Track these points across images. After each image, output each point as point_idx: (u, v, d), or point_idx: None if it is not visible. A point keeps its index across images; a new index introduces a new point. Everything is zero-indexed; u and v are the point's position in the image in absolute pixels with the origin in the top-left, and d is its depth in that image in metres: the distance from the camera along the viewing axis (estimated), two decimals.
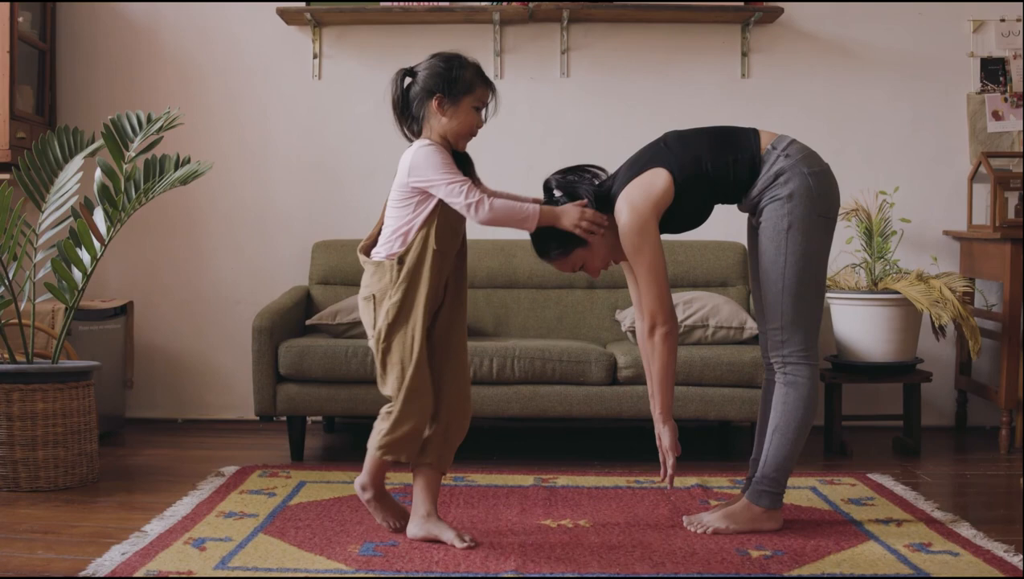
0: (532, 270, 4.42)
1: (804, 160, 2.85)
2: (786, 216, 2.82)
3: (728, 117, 4.26)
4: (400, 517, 2.91)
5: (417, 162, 2.73)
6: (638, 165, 2.88)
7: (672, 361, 2.86)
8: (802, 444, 2.95)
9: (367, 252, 2.86)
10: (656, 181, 2.82)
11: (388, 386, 2.78)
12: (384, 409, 2.81)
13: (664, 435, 2.91)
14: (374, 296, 2.77)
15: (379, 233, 2.83)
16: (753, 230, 3.01)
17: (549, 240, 2.87)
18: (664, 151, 2.88)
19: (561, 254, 2.90)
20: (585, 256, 2.90)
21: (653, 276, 2.80)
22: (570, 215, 2.78)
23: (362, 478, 2.89)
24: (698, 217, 2.94)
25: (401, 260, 2.74)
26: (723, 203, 2.96)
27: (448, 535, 2.78)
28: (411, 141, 2.85)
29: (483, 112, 2.81)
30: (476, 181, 2.83)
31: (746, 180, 2.87)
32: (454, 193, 2.69)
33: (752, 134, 2.90)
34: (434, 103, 2.76)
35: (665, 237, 2.90)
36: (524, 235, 4.71)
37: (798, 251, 2.83)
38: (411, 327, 2.74)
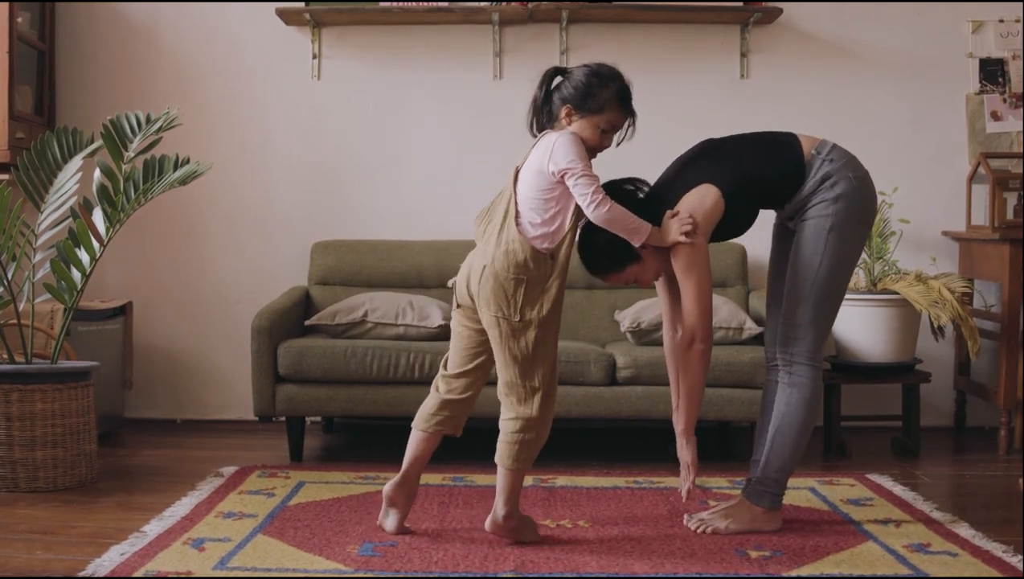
0: None
1: (848, 164, 2.87)
2: (831, 217, 2.83)
3: (728, 117, 4.27)
4: (536, 530, 2.89)
5: (559, 147, 2.69)
6: (685, 180, 2.86)
7: (704, 378, 2.87)
8: (804, 445, 2.96)
9: (480, 225, 2.81)
10: (707, 198, 2.81)
11: (530, 380, 2.72)
12: (516, 415, 2.74)
13: (686, 449, 2.93)
14: (527, 279, 2.68)
15: (511, 211, 2.72)
16: (782, 230, 3.02)
17: (603, 256, 2.86)
18: (709, 164, 2.87)
19: (615, 270, 2.89)
20: (637, 271, 2.89)
21: (700, 294, 2.79)
22: (672, 230, 2.77)
23: (503, 509, 2.78)
24: (744, 226, 2.95)
25: (554, 256, 2.71)
26: (767, 208, 2.96)
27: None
28: (533, 134, 2.83)
29: (612, 136, 2.80)
30: None
31: (792, 187, 2.87)
32: (585, 184, 2.66)
33: (794, 140, 2.91)
34: (564, 112, 2.76)
35: None
36: None
37: (835, 254, 2.85)
38: (558, 321, 2.76)
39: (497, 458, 2.79)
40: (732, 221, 2.88)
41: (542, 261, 2.70)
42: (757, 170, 2.87)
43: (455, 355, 2.88)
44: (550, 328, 2.74)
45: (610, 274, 2.91)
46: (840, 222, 2.84)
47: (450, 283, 2.87)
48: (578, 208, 2.72)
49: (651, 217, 2.79)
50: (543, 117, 2.81)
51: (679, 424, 2.93)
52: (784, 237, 3.03)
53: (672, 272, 2.88)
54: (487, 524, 2.82)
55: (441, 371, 2.91)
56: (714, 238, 2.89)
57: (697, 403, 2.89)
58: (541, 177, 2.71)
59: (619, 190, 2.83)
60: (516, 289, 2.69)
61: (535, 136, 2.83)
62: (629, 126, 2.82)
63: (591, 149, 2.77)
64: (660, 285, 3.01)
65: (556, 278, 2.71)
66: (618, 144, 2.83)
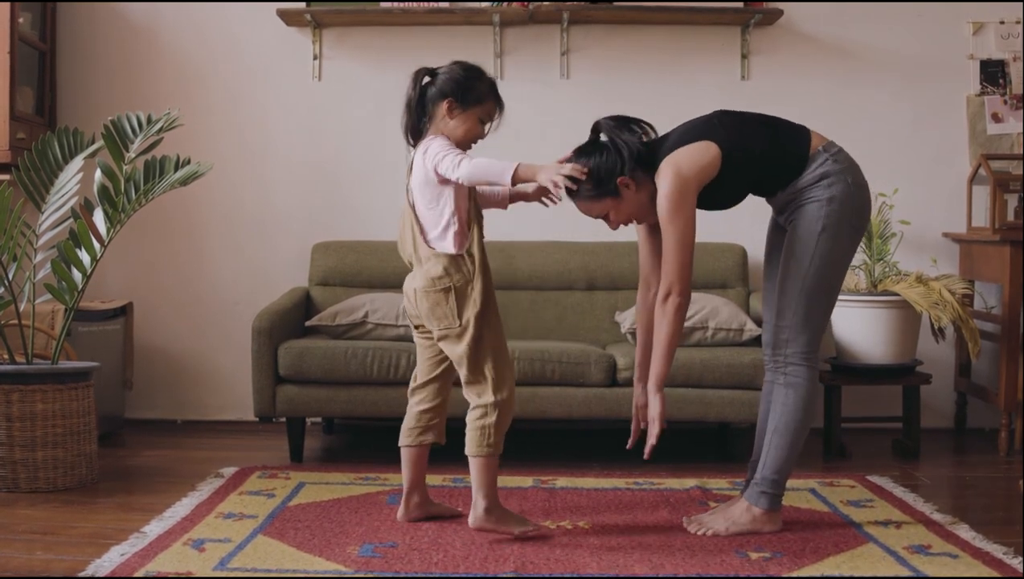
0: (532, 271, 4.42)
1: (850, 170, 2.87)
2: (822, 218, 2.83)
3: None
4: (521, 518, 2.95)
5: (431, 149, 2.80)
6: (689, 136, 2.87)
7: (678, 333, 2.85)
8: (801, 445, 2.96)
9: (409, 247, 2.90)
10: (706, 152, 2.82)
11: (480, 372, 2.84)
12: (477, 405, 2.86)
13: (656, 403, 2.88)
14: (454, 287, 2.81)
15: (416, 230, 2.85)
16: (776, 227, 3.02)
17: (587, 179, 2.87)
18: (718, 127, 2.88)
19: (592, 196, 2.89)
20: (612, 206, 2.90)
21: (681, 245, 2.80)
22: (547, 170, 2.75)
23: (483, 502, 2.85)
24: (731, 199, 2.95)
25: (470, 252, 2.83)
26: (758, 192, 2.96)
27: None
28: (409, 142, 2.92)
29: (487, 126, 2.90)
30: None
31: (789, 175, 2.88)
32: (449, 160, 2.74)
33: (804, 132, 2.92)
34: (445, 105, 2.84)
35: None
36: (524, 236, 4.71)
37: (825, 255, 2.84)
38: (495, 313, 2.87)
39: (467, 450, 2.87)
40: (722, 189, 2.87)
41: (461, 264, 2.83)
42: (760, 144, 2.87)
43: (421, 365, 3.03)
44: (488, 320, 2.85)
45: (586, 200, 2.90)
46: (832, 224, 2.84)
47: (400, 309, 2.97)
48: (471, 201, 2.85)
49: (646, 162, 2.84)
50: (416, 117, 2.88)
51: (651, 378, 2.88)
52: (778, 237, 3.03)
53: (654, 224, 2.91)
54: (470, 520, 2.88)
55: (411, 385, 3.04)
56: (699, 203, 2.87)
57: (670, 357, 2.86)
58: (429, 185, 2.82)
59: (627, 127, 2.88)
60: (447, 299, 2.83)
61: (411, 144, 2.91)
62: (499, 116, 2.91)
63: (469, 141, 2.87)
64: (642, 238, 3.04)
65: (479, 274, 2.84)
66: (486, 134, 2.92)
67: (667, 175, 2.80)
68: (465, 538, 2.87)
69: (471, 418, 2.87)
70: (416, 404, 3.02)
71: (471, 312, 2.82)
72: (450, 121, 2.84)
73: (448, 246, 2.82)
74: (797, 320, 2.89)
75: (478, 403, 2.86)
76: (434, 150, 2.78)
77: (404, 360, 3.81)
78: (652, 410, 2.89)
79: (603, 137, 2.92)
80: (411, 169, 2.88)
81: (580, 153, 2.89)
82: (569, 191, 2.89)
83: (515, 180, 2.74)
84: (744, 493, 3.01)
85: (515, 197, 3.05)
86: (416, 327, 2.99)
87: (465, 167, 2.72)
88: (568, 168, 2.75)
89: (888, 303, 4.07)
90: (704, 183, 2.82)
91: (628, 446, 3.07)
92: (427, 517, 3.05)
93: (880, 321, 4.08)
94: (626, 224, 2.96)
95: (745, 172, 2.88)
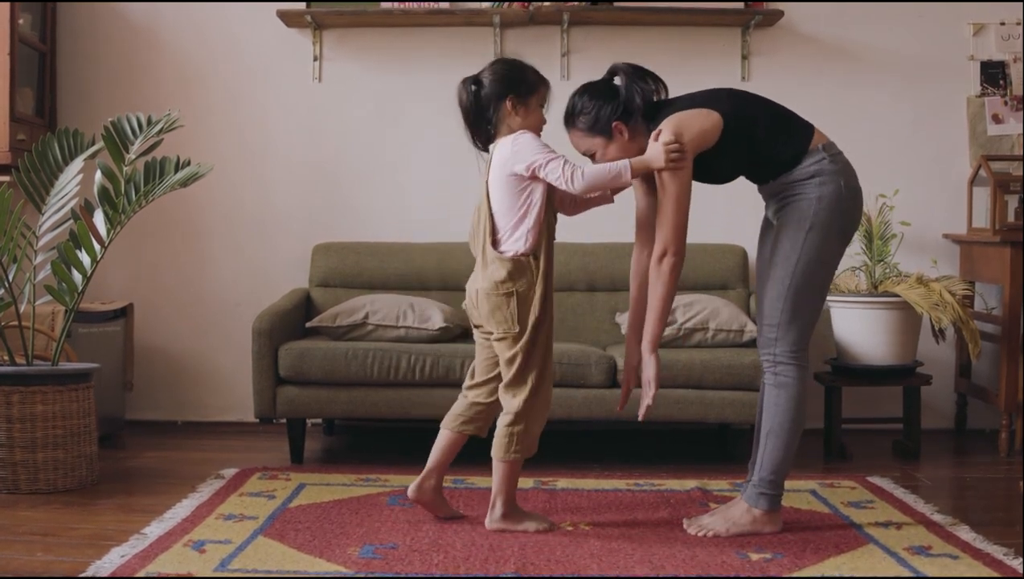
0: None
1: (844, 172, 2.88)
2: (810, 217, 2.84)
3: None
4: (539, 517, 3.02)
5: (521, 147, 2.83)
6: (695, 102, 2.90)
7: (672, 294, 2.87)
8: (796, 444, 2.96)
9: (478, 246, 2.93)
10: (707, 119, 2.84)
11: (524, 377, 2.88)
12: (508, 410, 2.91)
13: (650, 365, 2.89)
14: (516, 292, 2.84)
15: (487, 230, 2.87)
16: (768, 227, 3.02)
17: (583, 112, 2.92)
18: (724, 99, 2.91)
19: (583, 131, 2.93)
20: (600, 146, 2.93)
21: (676, 204, 2.82)
22: (656, 157, 2.80)
23: (500, 507, 2.95)
24: (723, 174, 2.97)
25: (536, 256, 2.85)
26: (750, 177, 2.98)
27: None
28: (480, 148, 2.95)
29: (544, 109, 2.95)
30: None
31: (784, 164, 2.88)
32: (554, 168, 2.80)
33: (808, 127, 2.93)
34: (508, 104, 2.87)
35: None
36: None
37: (812, 254, 2.85)
38: (551, 320, 2.91)
39: (493, 452, 2.94)
40: (715, 162, 2.89)
41: (525, 269, 2.85)
42: (764, 128, 2.88)
43: (479, 365, 3.04)
44: (544, 327, 2.88)
45: (578, 131, 2.94)
46: (819, 224, 2.84)
47: (464, 306, 3.06)
48: (546, 208, 2.86)
49: (649, 117, 2.89)
50: (482, 125, 2.90)
51: (645, 340, 2.90)
52: (769, 234, 3.03)
53: (651, 184, 2.93)
54: (487, 522, 2.96)
55: (468, 381, 3.06)
56: (693, 173, 2.88)
57: (664, 318, 2.88)
58: (510, 181, 2.84)
59: (642, 77, 2.93)
60: (508, 303, 2.86)
61: (482, 149, 2.94)
62: (549, 96, 2.95)
63: (539, 129, 2.91)
64: (640, 197, 3.05)
65: (541, 279, 2.86)
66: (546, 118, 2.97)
67: (666, 135, 2.82)
68: (465, 539, 2.87)
69: (501, 422, 2.93)
70: (473, 398, 3.02)
71: (531, 318, 2.86)
72: (516, 117, 2.87)
73: (519, 244, 2.85)
74: (784, 319, 2.89)
75: (510, 409, 2.90)
76: (531, 150, 2.81)
77: (404, 361, 3.81)
78: (647, 372, 2.90)
79: (616, 81, 2.95)
80: (489, 166, 2.90)
81: (586, 90, 2.93)
82: (566, 120, 2.96)
83: (634, 176, 2.82)
84: (744, 494, 3.01)
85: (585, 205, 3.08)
86: (476, 326, 3.00)
87: (580, 181, 2.78)
88: (671, 143, 2.78)
89: (888, 304, 4.07)
90: (700, 149, 2.84)
91: (619, 409, 3.13)
92: (431, 508, 3.06)
93: (880, 322, 4.08)
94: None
95: (743, 148, 2.89)
